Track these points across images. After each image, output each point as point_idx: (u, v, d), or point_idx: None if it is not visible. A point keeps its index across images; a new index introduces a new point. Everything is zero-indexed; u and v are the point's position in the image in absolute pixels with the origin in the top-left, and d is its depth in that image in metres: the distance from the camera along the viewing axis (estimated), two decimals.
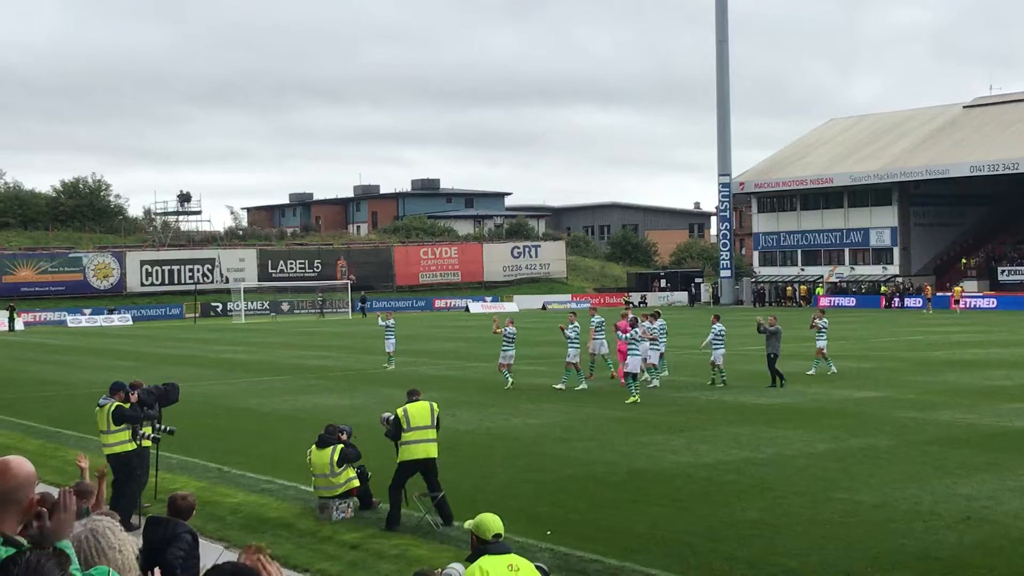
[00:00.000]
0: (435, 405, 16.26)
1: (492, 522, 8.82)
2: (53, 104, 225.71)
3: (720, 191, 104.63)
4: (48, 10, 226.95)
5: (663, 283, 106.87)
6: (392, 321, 41.65)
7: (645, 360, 32.30)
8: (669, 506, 16.85)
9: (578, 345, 33.00)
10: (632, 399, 29.40)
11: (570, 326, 33.26)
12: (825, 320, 36.48)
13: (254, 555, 5.34)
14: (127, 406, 17.08)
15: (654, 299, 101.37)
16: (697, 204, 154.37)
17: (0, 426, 27.81)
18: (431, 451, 16.00)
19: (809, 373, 35.64)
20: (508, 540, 14.80)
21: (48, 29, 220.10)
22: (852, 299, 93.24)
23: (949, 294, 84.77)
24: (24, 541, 4.52)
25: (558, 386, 32.76)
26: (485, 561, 8.42)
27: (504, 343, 33.90)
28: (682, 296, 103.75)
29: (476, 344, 50.46)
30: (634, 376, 30.18)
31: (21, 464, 4.54)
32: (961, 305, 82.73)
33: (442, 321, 79.29)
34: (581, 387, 32.56)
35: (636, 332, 31.11)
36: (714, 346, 33.53)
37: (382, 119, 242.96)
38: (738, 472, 19.38)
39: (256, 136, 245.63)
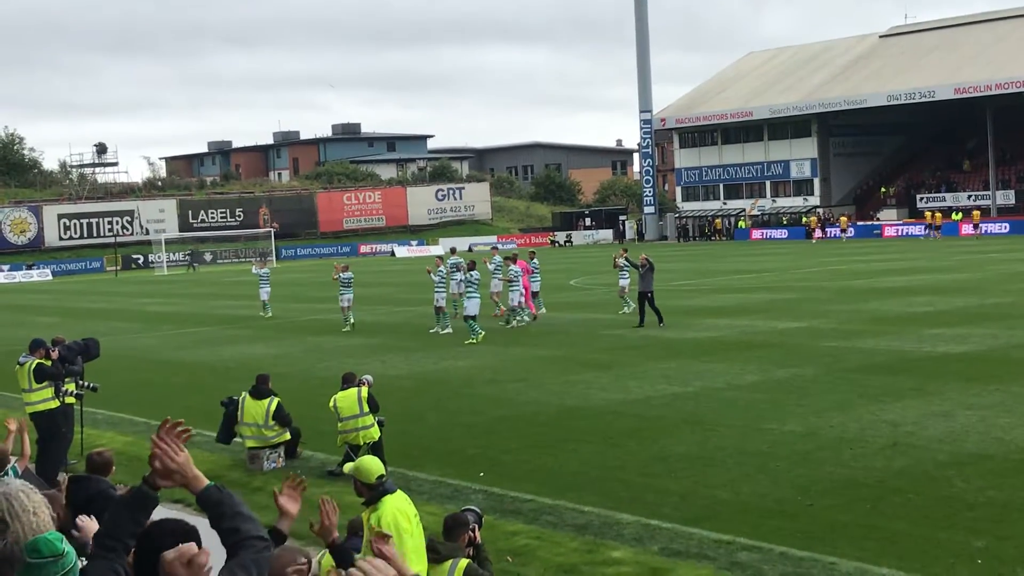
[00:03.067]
0: (364, 391, 16.01)
1: (375, 464, 8.92)
2: None
3: (641, 127, 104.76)
4: None
5: (588, 221, 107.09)
6: (267, 270, 41.86)
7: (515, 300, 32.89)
8: (600, 443, 16.93)
9: (443, 290, 32.90)
10: (470, 340, 29.68)
11: (437, 270, 33.23)
12: (625, 259, 35.89)
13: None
14: (48, 363, 16.78)
15: (579, 237, 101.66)
16: (619, 141, 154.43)
17: None
18: (370, 436, 15.79)
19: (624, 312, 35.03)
20: (443, 483, 14.90)
21: None
22: (784, 231, 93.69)
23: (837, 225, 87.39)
24: None
25: (433, 330, 32.72)
26: (393, 500, 8.59)
27: (341, 287, 34.89)
28: (607, 234, 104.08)
29: (403, 288, 50.27)
30: (472, 318, 30.38)
31: None
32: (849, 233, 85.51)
33: (368, 266, 78.87)
34: (446, 331, 32.25)
35: (474, 275, 31.20)
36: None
37: (297, 64, 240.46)
38: (667, 407, 19.51)
39: (168, 84, 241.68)
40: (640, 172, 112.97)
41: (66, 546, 4.00)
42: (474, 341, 29.72)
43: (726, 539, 11.88)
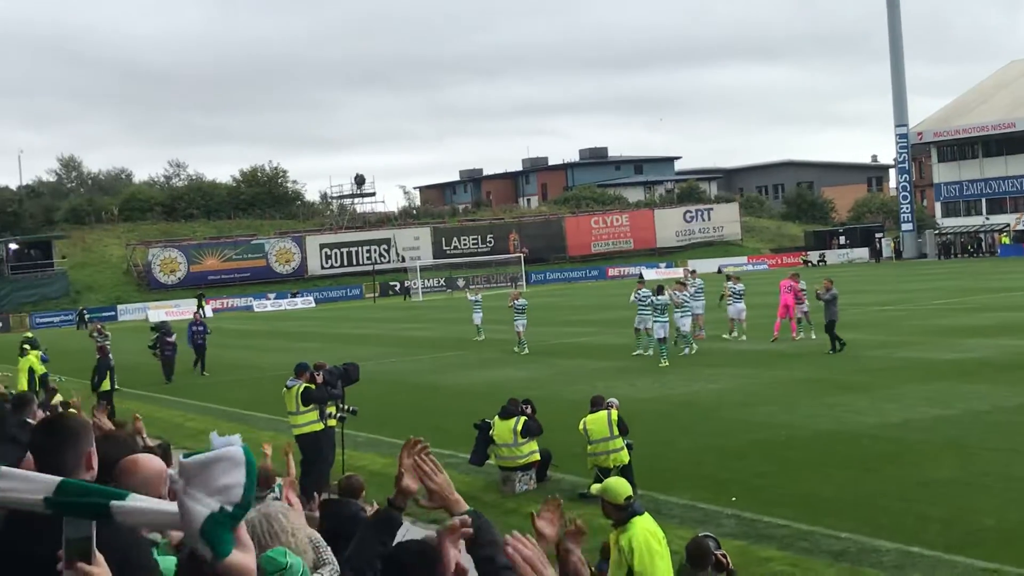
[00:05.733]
0: (614, 413, 16.04)
1: (623, 485, 8.89)
2: (211, 97, 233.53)
3: (897, 142, 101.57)
4: (187, 7, 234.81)
5: (842, 240, 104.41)
6: (479, 296, 44.81)
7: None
8: (857, 468, 16.44)
9: (647, 312, 33.29)
10: (663, 364, 30.41)
11: (638, 293, 34.61)
12: (741, 285, 36.68)
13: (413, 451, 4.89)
14: (313, 387, 17.49)
15: (833, 257, 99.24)
16: (874, 157, 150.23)
17: (193, 411, 28.84)
18: (620, 459, 15.74)
19: (730, 336, 35.98)
20: (694, 508, 14.77)
21: (188, 26, 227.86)
22: None
23: None
24: (158, 538, 4.66)
25: (637, 352, 33.52)
26: (642, 522, 8.57)
27: (516, 313, 37.68)
28: (863, 252, 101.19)
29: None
30: (661, 340, 31.34)
31: (150, 461, 4.77)
32: None
33: (616, 290, 79.02)
34: (636, 352, 33.31)
35: (660, 299, 31.85)
36: (656, 319, 32.79)
37: (540, 90, 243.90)
38: (928, 430, 18.79)
39: (416, 116, 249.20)
40: (896, 188, 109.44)
41: (290, 559, 4.12)
42: (664, 364, 30.51)
43: (992, 567, 11.34)
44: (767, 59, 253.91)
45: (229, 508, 2.74)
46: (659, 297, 32.10)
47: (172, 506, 2.94)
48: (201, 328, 38.16)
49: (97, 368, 27.77)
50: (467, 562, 4.41)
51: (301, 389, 17.45)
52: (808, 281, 36.63)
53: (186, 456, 2.74)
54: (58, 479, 2.99)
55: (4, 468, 2.96)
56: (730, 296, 36.70)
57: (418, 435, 4.75)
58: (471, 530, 4.10)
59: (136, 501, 2.96)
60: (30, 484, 2.95)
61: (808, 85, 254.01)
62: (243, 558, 2.85)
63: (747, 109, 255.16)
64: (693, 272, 41.67)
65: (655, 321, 31.77)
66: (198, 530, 2.75)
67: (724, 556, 9.25)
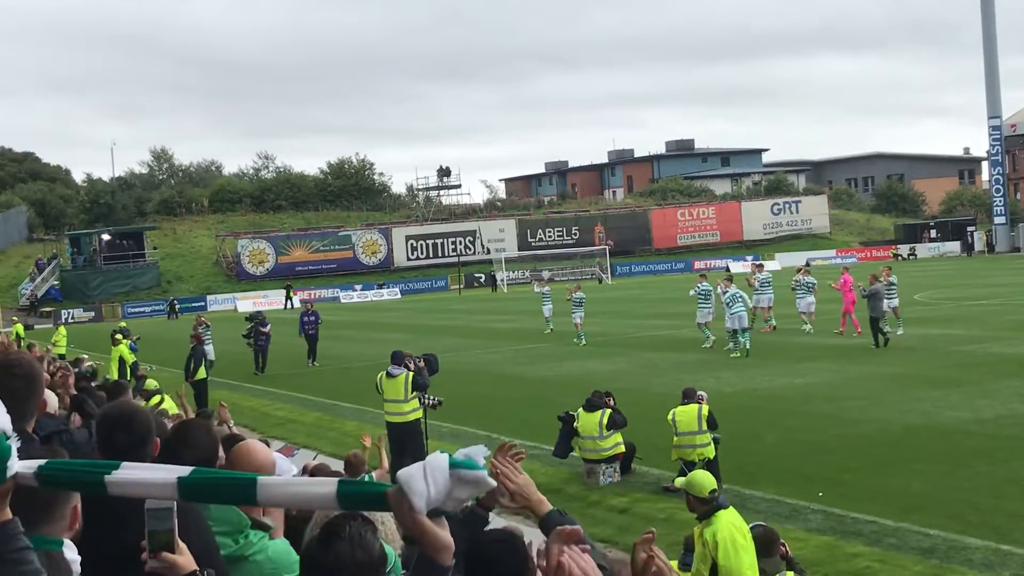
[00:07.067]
0: (704, 408, 15.96)
1: (707, 479, 8.89)
2: (298, 90, 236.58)
3: (990, 134, 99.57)
4: (275, 1, 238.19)
5: (933, 233, 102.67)
6: (547, 289, 45.32)
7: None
8: (947, 464, 16.19)
9: (707, 306, 34.62)
10: (735, 355, 30.91)
11: (696, 287, 35.31)
12: (811, 278, 36.84)
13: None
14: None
15: (924, 250, 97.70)
16: (966, 149, 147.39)
17: (281, 400, 29.21)
18: (705, 454, 15.69)
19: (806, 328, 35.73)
20: (780, 502, 14.65)
21: (275, 19, 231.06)
22: None
23: None
24: (270, 523, 4.77)
25: (704, 345, 33.91)
26: (727, 516, 8.57)
27: (574, 307, 38.41)
28: (954, 246, 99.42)
29: None
30: (743, 330, 31.47)
31: (262, 448, 4.98)
32: None
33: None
34: (706, 345, 33.71)
35: (733, 291, 32.19)
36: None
37: (625, 82, 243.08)
38: (1021, 427, 18.43)
39: (500, 108, 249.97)
40: (989, 181, 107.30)
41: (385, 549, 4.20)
42: (737, 355, 30.83)
43: None
44: (856, 50, 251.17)
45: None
46: (729, 290, 32.18)
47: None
48: (313, 318, 38.10)
49: (192, 356, 28.20)
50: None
51: (411, 377, 17.67)
52: (899, 275, 36.01)
53: (478, 469, 2.88)
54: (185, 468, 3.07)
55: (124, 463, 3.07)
56: (797, 289, 36.49)
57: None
58: (588, 546, 4.09)
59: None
60: (154, 473, 3.03)
61: (898, 76, 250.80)
62: (442, 532, 3.02)
63: (835, 101, 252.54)
64: (760, 266, 41.44)
65: (731, 314, 31.63)
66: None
67: (785, 547, 9.24)
